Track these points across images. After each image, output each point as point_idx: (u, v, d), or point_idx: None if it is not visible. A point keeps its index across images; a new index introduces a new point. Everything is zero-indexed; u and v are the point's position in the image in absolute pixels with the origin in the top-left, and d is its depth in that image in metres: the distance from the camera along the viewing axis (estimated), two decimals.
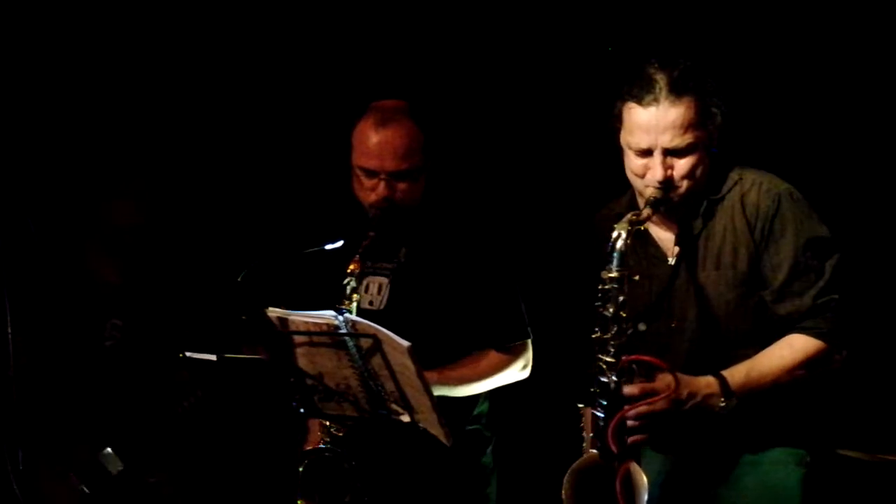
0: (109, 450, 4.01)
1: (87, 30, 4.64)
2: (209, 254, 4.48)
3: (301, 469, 3.35)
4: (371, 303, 3.52)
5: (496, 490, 3.60)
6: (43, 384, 4.05)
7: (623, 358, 3.01)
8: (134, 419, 4.11)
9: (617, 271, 3.02)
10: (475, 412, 3.57)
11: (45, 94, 4.60)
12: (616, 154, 3.18)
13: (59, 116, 4.61)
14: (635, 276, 3.06)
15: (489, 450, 3.59)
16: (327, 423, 3.40)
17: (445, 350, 3.47)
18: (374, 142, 3.41)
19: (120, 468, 4.02)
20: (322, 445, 3.39)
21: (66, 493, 4.07)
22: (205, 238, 4.62)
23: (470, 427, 3.55)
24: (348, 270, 3.35)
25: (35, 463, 4.02)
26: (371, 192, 3.45)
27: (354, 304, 3.33)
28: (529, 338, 3.53)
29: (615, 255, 3.02)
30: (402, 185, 3.44)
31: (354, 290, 3.35)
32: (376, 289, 3.54)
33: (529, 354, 3.54)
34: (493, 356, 3.51)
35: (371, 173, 3.43)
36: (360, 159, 3.44)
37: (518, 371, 3.53)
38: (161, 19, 4.69)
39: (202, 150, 4.71)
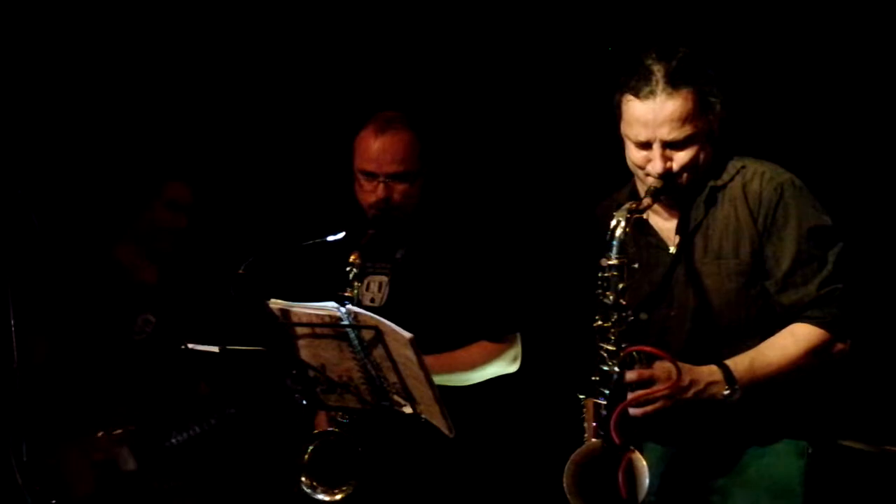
0: (126, 448, 4.05)
1: (106, 29, 4.71)
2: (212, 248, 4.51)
3: (308, 452, 3.40)
4: (372, 300, 3.64)
5: (500, 477, 3.65)
6: (66, 374, 4.13)
7: (624, 347, 3.00)
8: (159, 415, 4.15)
9: (616, 259, 3.01)
10: (483, 402, 3.60)
11: (70, 96, 4.68)
12: (618, 144, 3.18)
13: (87, 118, 4.68)
14: (634, 263, 3.05)
15: (502, 441, 3.64)
16: (333, 413, 3.45)
17: (444, 343, 3.55)
18: (374, 147, 3.62)
19: (133, 468, 4.05)
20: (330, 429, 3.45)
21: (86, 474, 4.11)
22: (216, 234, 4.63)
23: (474, 416, 3.56)
24: (349, 260, 3.51)
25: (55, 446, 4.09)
26: (371, 193, 3.62)
27: (356, 293, 3.50)
28: (519, 331, 3.64)
29: (614, 242, 3.01)
30: (399, 187, 3.62)
31: (357, 278, 3.50)
32: (377, 287, 3.66)
33: (519, 347, 3.65)
34: (484, 346, 3.61)
35: (371, 176, 3.62)
36: (361, 163, 3.64)
37: (508, 363, 3.63)
38: (177, 28, 4.75)
39: (214, 151, 4.76)
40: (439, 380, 3.34)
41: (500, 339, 3.61)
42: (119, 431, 4.10)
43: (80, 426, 4.13)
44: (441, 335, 3.53)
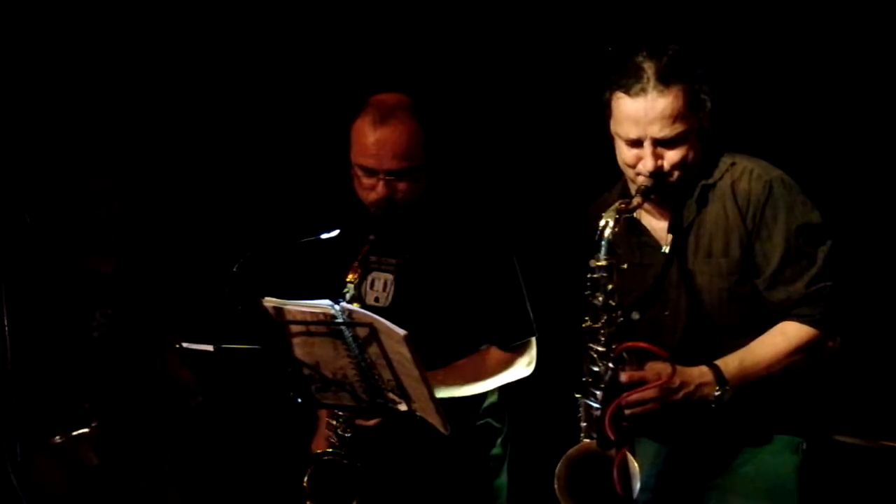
0: (86, 444, 4.07)
1: (83, 27, 4.69)
2: (206, 244, 4.51)
3: (308, 474, 3.36)
4: (377, 299, 3.50)
5: (507, 480, 3.59)
6: (33, 373, 4.10)
7: (616, 346, 3.01)
8: (123, 409, 4.15)
9: (605, 259, 3.02)
10: (485, 405, 3.55)
11: (38, 91, 4.67)
12: (610, 144, 3.17)
13: (48, 112, 4.67)
14: (623, 264, 3.05)
15: (499, 441, 3.57)
16: (334, 423, 3.41)
17: (450, 346, 3.46)
18: (372, 140, 3.33)
19: (95, 463, 4.07)
20: (329, 449, 3.39)
21: (57, 477, 4.14)
22: (202, 229, 4.64)
23: (479, 421, 3.55)
24: (347, 280, 3.33)
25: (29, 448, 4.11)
26: (371, 191, 3.38)
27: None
28: (534, 336, 3.51)
29: (603, 242, 3.02)
30: (402, 185, 3.37)
31: (354, 299, 3.32)
32: (381, 285, 3.51)
33: (534, 352, 3.51)
34: (497, 354, 3.49)
35: (370, 172, 3.36)
36: (359, 158, 3.37)
37: (522, 368, 3.50)
38: (159, 12, 4.72)
39: (201, 141, 4.74)
40: (452, 392, 3.34)
41: (513, 347, 3.48)
42: (79, 432, 4.11)
43: (42, 426, 4.14)
44: (449, 338, 3.44)
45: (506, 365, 3.49)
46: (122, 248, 4.31)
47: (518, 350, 3.50)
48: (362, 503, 3.32)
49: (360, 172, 3.39)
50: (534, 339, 3.51)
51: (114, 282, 4.28)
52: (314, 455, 3.42)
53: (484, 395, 3.53)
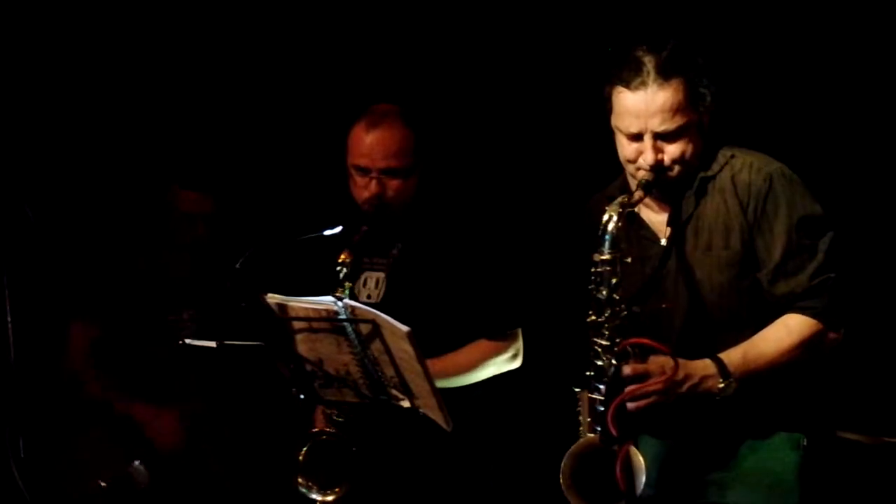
0: (138, 463, 4.08)
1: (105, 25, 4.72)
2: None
3: (303, 451, 3.39)
4: (369, 297, 3.60)
5: (496, 472, 3.64)
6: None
7: (619, 342, 3.00)
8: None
9: (609, 254, 3.01)
10: (475, 395, 3.59)
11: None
12: (610, 138, 3.17)
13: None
14: (627, 258, 3.05)
15: (491, 431, 3.63)
16: (328, 411, 3.44)
17: (442, 341, 3.52)
18: (366, 142, 3.57)
19: (146, 483, 4.08)
20: (326, 429, 3.44)
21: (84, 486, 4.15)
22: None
23: (471, 411, 3.57)
24: (339, 259, 3.46)
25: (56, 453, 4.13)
26: (364, 189, 3.58)
27: (347, 292, 3.43)
28: (518, 327, 3.61)
29: (606, 237, 3.02)
30: (392, 183, 3.57)
31: (347, 278, 3.45)
32: (373, 283, 3.63)
33: (520, 343, 3.62)
34: (484, 345, 3.58)
35: (363, 171, 3.58)
36: (354, 158, 3.60)
37: (508, 359, 3.60)
38: (172, 21, 4.76)
39: (213, 144, 4.78)
40: (438, 384, 3.34)
41: (498, 337, 3.58)
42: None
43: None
44: (439, 332, 3.50)
45: (491, 356, 3.58)
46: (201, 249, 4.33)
47: (504, 341, 3.59)
48: (357, 487, 3.35)
49: (354, 173, 3.61)
50: (519, 331, 3.61)
51: (193, 284, 4.29)
52: (310, 433, 3.45)
53: (475, 387, 3.58)
